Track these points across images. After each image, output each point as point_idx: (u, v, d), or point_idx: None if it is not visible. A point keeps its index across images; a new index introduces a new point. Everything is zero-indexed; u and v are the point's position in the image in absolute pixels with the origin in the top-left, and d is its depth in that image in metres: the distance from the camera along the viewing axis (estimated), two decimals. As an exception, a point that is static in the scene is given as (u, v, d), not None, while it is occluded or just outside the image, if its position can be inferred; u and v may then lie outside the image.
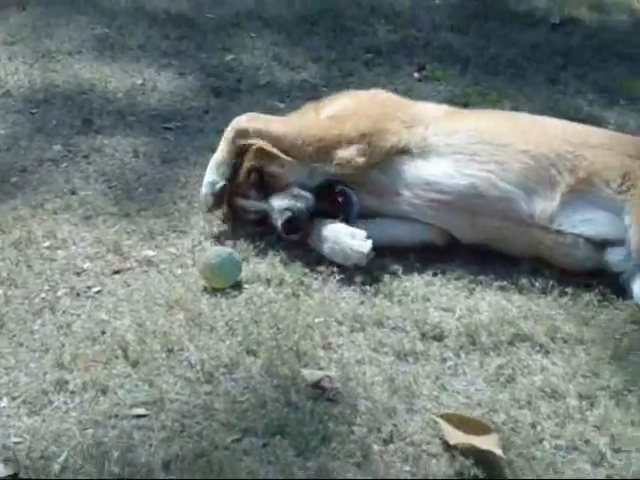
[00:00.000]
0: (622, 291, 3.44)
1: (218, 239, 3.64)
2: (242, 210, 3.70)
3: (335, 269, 3.46)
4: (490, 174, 3.56)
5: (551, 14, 5.92)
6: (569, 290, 3.43)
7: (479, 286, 3.46)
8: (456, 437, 2.72)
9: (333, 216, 3.59)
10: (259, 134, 3.68)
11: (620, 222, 3.46)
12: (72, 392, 2.85)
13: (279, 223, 3.54)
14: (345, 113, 3.78)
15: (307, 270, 3.47)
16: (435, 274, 3.52)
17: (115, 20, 5.50)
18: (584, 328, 3.27)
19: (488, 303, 3.37)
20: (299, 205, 3.56)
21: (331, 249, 3.50)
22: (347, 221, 3.58)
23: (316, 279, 3.43)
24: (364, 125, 3.66)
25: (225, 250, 3.43)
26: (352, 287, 3.40)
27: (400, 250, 3.59)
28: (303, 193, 3.60)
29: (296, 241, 3.56)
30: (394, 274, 3.48)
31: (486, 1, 6.05)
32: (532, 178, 3.55)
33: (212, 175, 3.65)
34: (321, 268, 3.47)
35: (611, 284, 3.47)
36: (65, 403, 2.81)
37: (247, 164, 3.66)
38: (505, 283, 3.47)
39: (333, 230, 3.53)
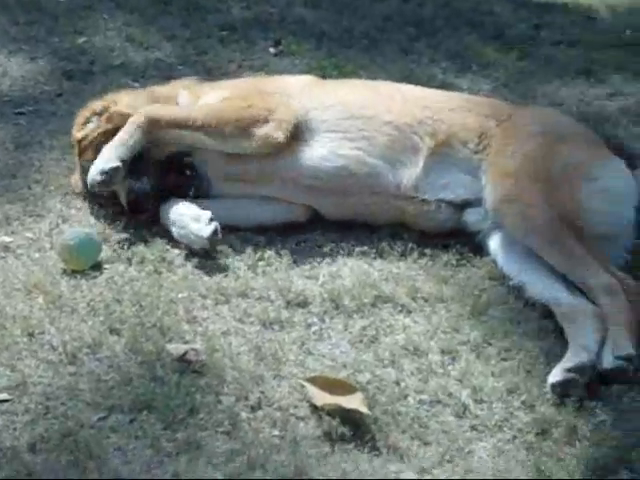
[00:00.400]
0: (479, 250, 3.54)
1: (76, 221, 3.58)
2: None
3: (197, 244, 3.46)
4: (359, 151, 3.61)
5: (402, -14, 5.99)
6: (428, 251, 3.51)
7: (341, 253, 3.51)
8: (322, 399, 2.76)
9: (183, 189, 3.57)
10: (170, 121, 3.60)
11: (477, 182, 3.55)
12: None
13: (123, 203, 3.53)
14: (244, 93, 3.77)
15: (169, 247, 3.45)
16: (297, 244, 3.55)
17: (-39, 7, 5.35)
18: (443, 287, 3.35)
19: (350, 268, 3.42)
20: (141, 185, 3.52)
21: (178, 233, 3.47)
22: (197, 196, 3.57)
23: (178, 255, 3.42)
24: (267, 102, 3.66)
25: (83, 231, 3.39)
26: (215, 260, 3.41)
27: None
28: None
29: (148, 219, 3.54)
30: (257, 245, 3.50)
31: (338, -25, 6.09)
32: (397, 149, 3.62)
33: (108, 154, 3.51)
34: (183, 244, 3.46)
35: (468, 243, 3.57)
36: None
37: (97, 142, 3.61)
38: (366, 248, 3.52)
39: (179, 212, 3.49)
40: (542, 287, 3.28)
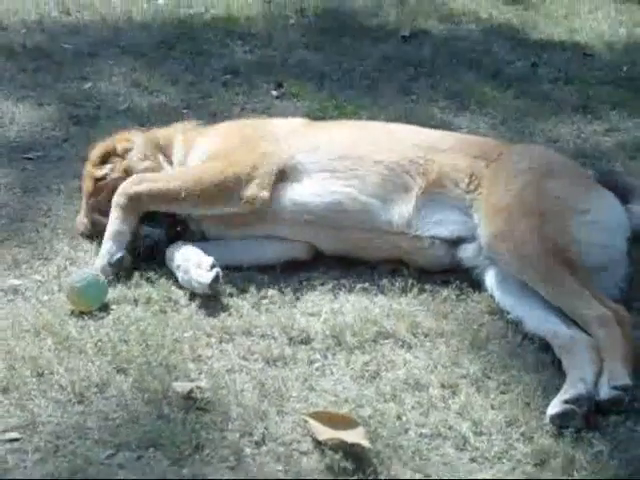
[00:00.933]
0: (477, 285, 3.61)
1: (83, 264, 3.66)
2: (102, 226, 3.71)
3: (201, 283, 3.53)
4: (351, 189, 3.69)
5: (401, 27, 6.10)
6: (427, 287, 3.58)
7: (342, 290, 3.58)
8: (325, 433, 2.81)
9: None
10: (152, 195, 3.67)
11: (470, 220, 3.62)
12: (-58, 423, 2.85)
13: (141, 249, 3.63)
14: (224, 150, 3.82)
15: (173, 287, 3.53)
16: (300, 282, 3.63)
17: (-30, 55, 5.47)
18: (443, 322, 3.41)
19: (352, 305, 3.49)
20: (158, 235, 3.64)
21: (181, 278, 3.54)
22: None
23: (183, 295, 3.49)
24: (251, 159, 3.71)
25: (90, 273, 3.46)
26: (219, 300, 3.47)
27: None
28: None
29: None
30: (260, 284, 3.57)
31: (339, 18, 6.21)
32: (388, 187, 3.70)
33: (110, 245, 3.60)
34: (188, 285, 3.54)
35: (467, 279, 3.63)
36: None
37: (114, 184, 3.73)
38: (367, 285, 3.60)
39: (183, 257, 3.57)
40: (539, 320, 3.34)
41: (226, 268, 3.53)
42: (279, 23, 6.12)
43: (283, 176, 3.72)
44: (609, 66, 5.79)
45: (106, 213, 3.69)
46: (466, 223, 3.64)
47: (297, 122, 4.06)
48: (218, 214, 3.71)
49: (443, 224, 3.67)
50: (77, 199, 3.99)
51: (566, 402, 2.95)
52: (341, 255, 3.73)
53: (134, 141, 3.90)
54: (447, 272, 3.65)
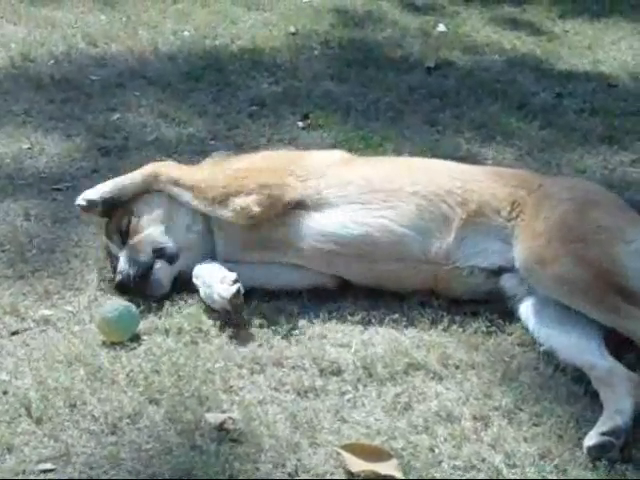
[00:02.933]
0: (509, 316, 3.60)
1: (114, 294, 3.68)
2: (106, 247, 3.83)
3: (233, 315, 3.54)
4: (384, 220, 3.66)
5: (426, 58, 6.13)
6: (457, 319, 3.58)
7: (372, 321, 3.58)
8: (357, 465, 2.82)
9: None
10: (170, 180, 3.79)
11: (511, 249, 3.60)
12: (-23, 453, 2.87)
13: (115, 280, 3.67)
14: (249, 167, 3.86)
15: (204, 317, 3.54)
16: (330, 312, 3.62)
17: (-2, 87, 5.52)
18: (474, 353, 3.41)
19: (382, 336, 3.49)
20: (130, 271, 3.63)
21: (204, 292, 3.57)
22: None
23: (214, 325, 3.50)
24: (265, 178, 3.73)
25: (121, 304, 3.48)
26: (250, 330, 3.48)
27: (295, 291, 3.71)
28: (142, 259, 3.67)
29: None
30: (290, 315, 3.58)
31: (363, 49, 6.23)
32: (425, 217, 3.66)
33: (100, 186, 3.84)
34: (218, 315, 3.54)
35: (497, 310, 3.63)
36: (-30, 464, 2.82)
37: (128, 207, 3.80)
38: (397, 316, 3.59)
39: (208, 272, 3.60)
40: (576, 351, 3.33)
41: (252, 292, 3.59)
42: (304, 54, 6.15)
43: (300, 208, 3.71)
44: (634, 96, 5.78)
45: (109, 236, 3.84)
46: (507, 252, 3.61)
47: (334, 157, 4.02)
48: (210, 215, 3.75)
49: (483, 254, 3.64)
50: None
51: (603, 434, 2.95)
52: (370, 286, 3.73)
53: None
54: (477, 303, 3.65)
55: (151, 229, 3.76)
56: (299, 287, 3.73)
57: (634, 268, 3.40)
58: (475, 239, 3.65)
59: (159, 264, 3.67)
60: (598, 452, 2.93)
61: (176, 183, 3.79)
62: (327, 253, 3.67)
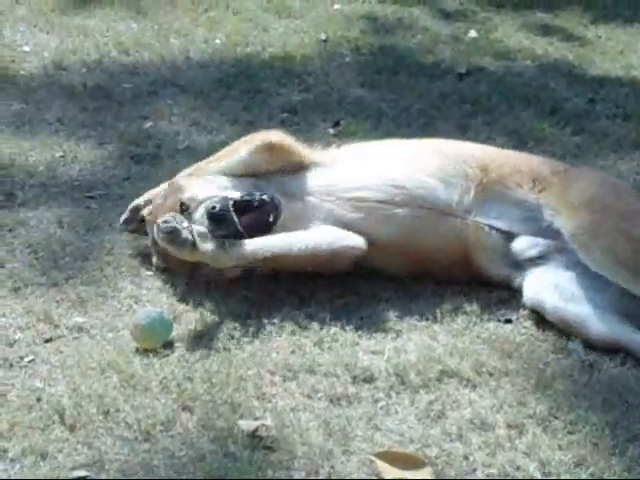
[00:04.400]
0: (541, 323, 3.59)
1: (147, 301, 3.69)
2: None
3: (265, 321, 3.55)
4: (408, 170, 3.74)
5: (458, 64, 6.11)
6: (491, 325, 3.57)
7: (405, 327, 3.57)
8: (391, 473, 2.81)
9: (265, 222, 3.62)
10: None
11: (539, 218, 3.67)
12: (12, 459, 2.87)
13: (205, 217, 3.57)
14: None
15: (237, 324, 3.54)
16: (362, 319, 3.62)
17: (31, 95, 5.54)
18: (508, 361, 3.39)
19: (415, 343, 3.48)
20: (222, 200, 3.60)
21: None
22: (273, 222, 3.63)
23: (246, 332, 3.50)
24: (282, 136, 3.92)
25: (155, 310, 3.49)
26: (282, 337, 3.48)
27: (326, 296, 3.71)
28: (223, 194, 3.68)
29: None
30: (322, 321, 3.57)
31: (394, 56, 6.23)
32: (448, 171, 3.75)
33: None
34: (250, 321, 3.55)
35: (531, 318, 3.62)
36: (5, 471, 2.83)
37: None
38: (429, 322, 3.59)
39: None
40: (620, 330, 3.43)
41: (283, 299, 3.62)
42: (335, 61, 6.15)
43: (325, 165, 3.84)
44: (667, 101, 5.75)
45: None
46: (529, 220, 3.68)
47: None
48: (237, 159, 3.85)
49: (502, 219, 3.70)
50: (139, 237, 4.03)
51: None
52: (394, 245, 3.70)
53: None
54: (510, 309, 3.65)
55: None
56: (324, 252, 3.64)
57: None
58: (494, 204, 3.72)
59: None
60: None
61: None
62: (353, 201, 3.71)
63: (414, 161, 3.78)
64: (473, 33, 6.71)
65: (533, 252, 3.66)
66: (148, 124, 5.23)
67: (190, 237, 3.51)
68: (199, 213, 3.63)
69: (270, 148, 3.81)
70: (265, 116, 5.36)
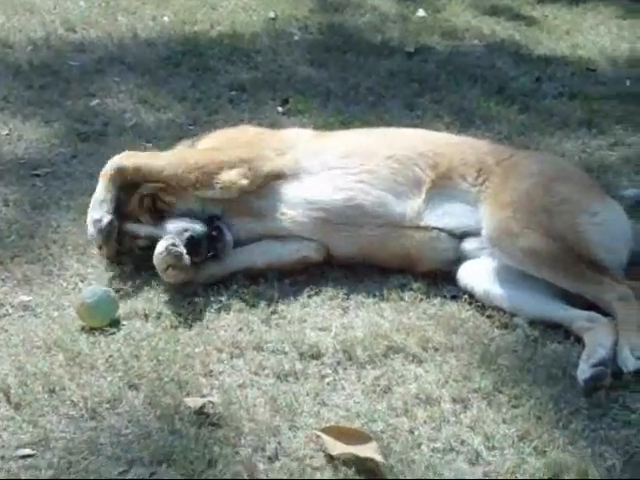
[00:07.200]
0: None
1: (93, 280, 3.67)
2: (132, 235, 3.73)
3: (212, 299, 3.54)
4: (363, 184, 3.74)
5: (406, 43, 6.13)
6: (437, 301, 3.60)
7: (352, 304, 3.59)
8: (337, 448, 2.82)
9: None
10: (138, 170, 3.75)
11: (476, 212, 3.70)
12: (-44, 438, 2.86)
13: (180, 242, 3.57)
14: (222, 144, 3.91)
15: (184, 302, 3.54)
16: (309, 296, 3.63)
17: (-24, 73, 5.48)
18: (453, 336, 3.42)
19: (362, 319, 3.50)
20: (197, 227, 3.64)
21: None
22: (215, 255, 3.67)
23: (193, 310, 3.50)
24: (242, 152, 3.79)
25: (100, 289, 3.47)
26: (230, 315, 3.49)
27: (274, 275, 3.70)
28: (197, 221, 3.69)
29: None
30: (270, 299, 3.58)
31: (343, 34, 6.23)
32: (400, 181, 3.77)
33: (95, 213, 3.66)
34: (198, 299, 3.55)
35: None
36: (-51, 450, 2.82)
37: (140, 190, 3.75)
38: (376, 299, 3.61)
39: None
40: (549, 310, 3.49)
41: (231, 277, 3.64)
42: (284, 40, 6.14)
43: (281, 178, 3.77)
44: (612, 80, 5.81)
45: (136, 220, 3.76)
46: (471, 216, 3.71)
47: (305, 132, 4.15)
48: (195, 197, 3.73)
49: (449, 216, 3.74)
50: (86, 215, 4.00)
51: (594, 365, 3.15)
52: (352, 258, 3.75)
53: None
54: (457, 287, 3.68)
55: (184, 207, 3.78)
56: (287, 262, 3.73)
57: (598, 239, 3.52)
58: (441, 201, 3.75)
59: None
60: (595, 382, 3.11)
61: (147, 174, 3.75)
62: (314, 220, 3.73)
63: (368, 172, 3.76)
64: (421, 12, 6.74)
65: (481, 253, 3.69)
66: (95, 102, 5.19)
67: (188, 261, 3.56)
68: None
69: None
70: (213, 94, 5.34)
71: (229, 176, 3.72)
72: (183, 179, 3.73)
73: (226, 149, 3.84)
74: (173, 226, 3.65)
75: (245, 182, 3.73)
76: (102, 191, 3.72)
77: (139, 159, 3.83)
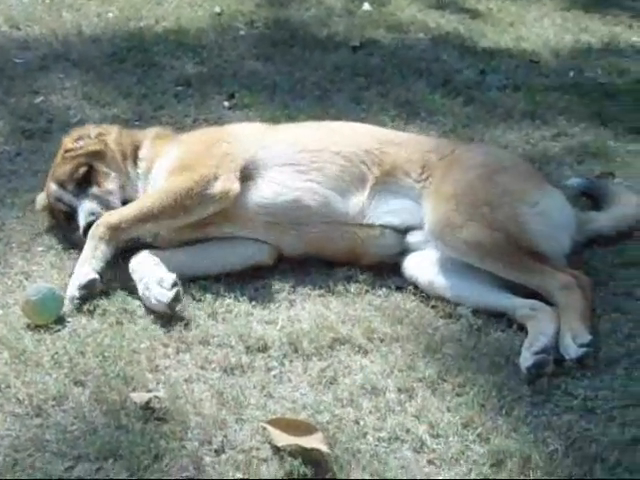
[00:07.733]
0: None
1: (38, 277, 3.66)
2: (54, 198, 3.81)
3: (157, 294, 3.54)
4: (312, 183, 3.78)
5: (351, 37, 6.14)
6: (382, 293, 3.64)
7: (298, 297, 3.62)
8: (283, 440, 2.84)
9: None
10: (131, 220, 3.65)
11: (419, 208, 3.75)
12: None
13: (81, 224, 3.65)
14: (188, 159, 3.84)
15: (129, 298, 3.53)
16: (256, 289, 3.65)
17: None
18: (398, 326, 3.45)
19: (308, 312, 3.52)
20: (104, 213, 3.66)
21: (143, 294, 3.49)
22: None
23: (139, 306, 3.50)
24: (213, 159, 3.77)
25: (45, 286, 3.46)
26: (176, 309, 3.48)
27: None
28: (115, 203, 3.74)
29: None
30: (216, 293, 3.59)
31: (289, 29, 6.23)
32: (346, 178, 3.81)
33: (83, 268, 3.54)
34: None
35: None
36: None
37: (80, 159, 3.79)
38: (322, 292, 3.64)
39: (146, 271, 3.53)
40: (492, 299, 3.54)
41: (186, 278, 3.59)
42: (229, 35, 6.12)
43: (246, 175, 3.78)
44: (556, 72, 5.87)
45: (64, 186, 3.80)
46: (416, 212, 3.76)
47: (255, 125, 4.18)
48: (197, 219, 3.72)
49: (394, 213, 3.79)
50: (31, 213, 3.99)
51: (536, 353, 3.20)
52: (301, 255, 3.78)
53: (109, 131, 4.04)
54: (402, 278, 3.71)
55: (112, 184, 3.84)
56: (238, 267, 3.74)
57: (538, 229, 3.58)
58: (385, 198, 3.80)
59: None
60: (537, 369, 3.17)
61: (141, 220, 3.67)
62: (266, 224, 3.75)
63: (316, 171, 3.79)
64: (367, 6, 6.75)
65: (424, 246, 3.72)
66: (39, 99, 5.15)
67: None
68: None
69: None
70: (159, 89, 5.32)
71: (220, 187, 3.69)
72: (178, 208, 3.67)
73: (197, 163, 3.78)
74: (86, 205, 3.71)
75: (235, 186, 3.72)
76: (90, 250, 3.59)
77: (124, 211, 3.71)
